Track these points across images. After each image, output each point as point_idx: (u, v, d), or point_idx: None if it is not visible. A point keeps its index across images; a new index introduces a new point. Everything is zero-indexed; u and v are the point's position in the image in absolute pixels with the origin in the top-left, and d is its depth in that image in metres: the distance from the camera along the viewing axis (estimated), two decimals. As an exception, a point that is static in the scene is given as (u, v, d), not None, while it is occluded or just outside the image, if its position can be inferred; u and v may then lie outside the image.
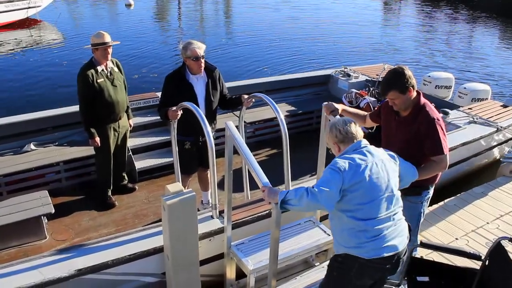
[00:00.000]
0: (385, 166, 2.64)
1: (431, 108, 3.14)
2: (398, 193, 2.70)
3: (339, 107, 3.54)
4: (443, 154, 3.04)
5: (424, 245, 3.18)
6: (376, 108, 3.70)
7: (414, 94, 3.10)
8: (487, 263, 3.01)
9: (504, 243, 2.93)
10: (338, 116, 2.81)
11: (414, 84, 3.06)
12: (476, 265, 3.22)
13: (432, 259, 3.94)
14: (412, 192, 3.23)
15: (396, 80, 3.03)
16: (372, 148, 2.70)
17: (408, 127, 3.13)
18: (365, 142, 2.72)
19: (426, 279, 3.18)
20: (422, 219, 3.46)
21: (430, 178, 3.20)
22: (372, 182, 2.55)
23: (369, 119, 3.60)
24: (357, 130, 2.72)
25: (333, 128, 2.74)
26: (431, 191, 3.37)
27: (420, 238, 4.27)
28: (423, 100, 3.14)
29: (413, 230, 3.37)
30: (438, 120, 3.08)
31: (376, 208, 2.57)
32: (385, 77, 3.14)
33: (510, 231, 4.56)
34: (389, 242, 2.58)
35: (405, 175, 2.86)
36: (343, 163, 2.55)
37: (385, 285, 3.32)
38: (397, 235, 2.63)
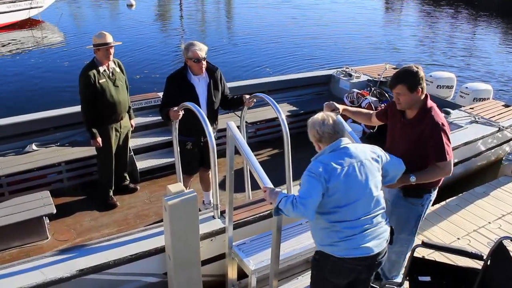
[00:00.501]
0: (363, 168, 2.59)
1: (437, 112, 3.09)
2: (379, 195, 2.65)
3: (340, 107, 3.53)
4: (446, 160, 2.99)
5: (426, 245, 3.17)
6: (383, 107, 3.65)
7: (422, 96, 3.06)
8: (489, 263, 3.00)
9: (506, 243, 2.93)
10: (320, 114, 2.74)
11: (424, 86, 3.03)
12: (478, 265, 3.22)
13: (433, 259, 3.94)
14: (413, 194, 3.21)
15: (408, 76, 3.00)
16: (352, 147, 2.64)
17: (413, 129, 3.09)
18: (345, 141, 2.64)
19: (428, 278, 3.18)
20: (421, 222, 3.41)
21: (433, 181, 3.17)
22: (348, 186, 2.52)
23: (375, 117, 3.55)
24: (335, 129, 2.62)
25: (312, 127, 2.69)
26: (434, 194, 3.31)
27: (421, 237, 4.28)
28: (430, 103, 3.10)
29: (410, 232, 3.36)
30: (443, 125, 3.03)
31: (351, 212, 2.55)
32: (398, 71, 3.10)
33: (512, 231, 4.56)
34: (363, 244, 2.57)
35: (391, 169, 2.82)
36: (318, 168, 2.51)
37: (386, 285, 3.33)
38: (373, 237, 2.61)
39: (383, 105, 6.68)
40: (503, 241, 2.93)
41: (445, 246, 3.46)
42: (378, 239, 2.64)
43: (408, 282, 3.20)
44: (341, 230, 2.55)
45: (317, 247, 2.72)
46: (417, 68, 3.01)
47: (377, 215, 2.66)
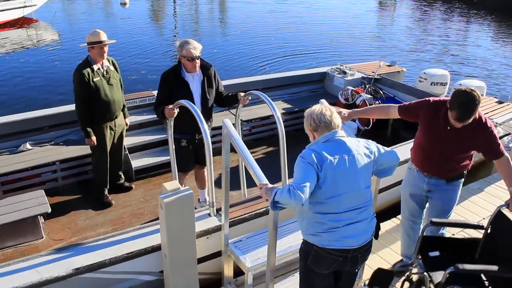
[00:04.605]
0: (355, 162, 2.59)
1: (486, 118, 3.21)
2: (366, 190, 2.65)
3: (347, 111, 3.47)
4: (504, 155, 3.20)
5: (434, 223, 3.34)
6: (411, 105, 3.46)
7: None
8: (489, 231, 3.23)
9: (505, 211, 3.15)
10: (318, 105, 2.75)
11: None
12: (481, 235, 3.39)
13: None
14: (456, 177, 3.44)
15: (477, 103, 2.97)
16: (347, 141, 2.63)
17: (466, 139, 3.17)
18: (340, 133, 2.65)
19: (437, 253, 3.34)
20: None
21: (467, 165, 3.43)
22: (336, 178, 2.52)
23: (397, 111, 3.46)
24: (332, 120, 2.63)
25: (309, 116, 2.69)
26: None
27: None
28: (480, 112, 3.13)
29: (451, 211, 3.58)
30: (493, 128, 3.19)
31: (337, 204, 2.56)
32: (465, 102, 2.98)
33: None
34: (345, 237, 2.58)
35: (386, 162, 2.80)
36: (311, 155, 2.51)
37: (399, 266, 3.47)
38: (357, 231, 2.62)
39: (377, 102, 6.70)
40: (501, 209, 3.17)
41: (451, 221, 3.62)
42: (362, 233, 2.64)
43: (419, 261, 3.35)
44: (325, 222, 2.56)
45: (303, 235, 2.74)
46: (474, 91, 2.98)
47: (364, 210, 2.66)
